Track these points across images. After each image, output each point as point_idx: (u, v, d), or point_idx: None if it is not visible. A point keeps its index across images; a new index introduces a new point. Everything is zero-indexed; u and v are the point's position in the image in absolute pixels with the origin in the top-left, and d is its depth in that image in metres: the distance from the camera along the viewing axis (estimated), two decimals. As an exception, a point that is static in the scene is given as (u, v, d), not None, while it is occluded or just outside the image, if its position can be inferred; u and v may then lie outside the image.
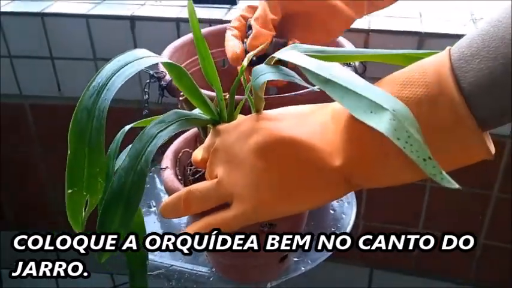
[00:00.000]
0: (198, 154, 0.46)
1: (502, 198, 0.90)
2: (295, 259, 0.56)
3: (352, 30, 0.80)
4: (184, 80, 0.43)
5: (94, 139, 0.36)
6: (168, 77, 0.58)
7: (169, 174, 0.49)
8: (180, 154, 0.53)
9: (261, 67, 0.41)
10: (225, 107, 0.46)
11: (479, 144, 0.32)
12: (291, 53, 0.39)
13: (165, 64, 0.42)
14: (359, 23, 0.81)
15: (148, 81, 0.59)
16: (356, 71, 0.58)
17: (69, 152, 0.36)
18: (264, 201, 0.38)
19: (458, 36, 0.82)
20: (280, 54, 0.39)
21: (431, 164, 0.28)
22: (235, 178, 0.39)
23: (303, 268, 0.55)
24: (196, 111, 0.46)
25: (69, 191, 0.36)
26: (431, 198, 0.94)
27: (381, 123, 0.30)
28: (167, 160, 0.51)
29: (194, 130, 0.56)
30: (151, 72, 0.58)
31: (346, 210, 0.65)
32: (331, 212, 0.64)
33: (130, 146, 0.39)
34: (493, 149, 0.33)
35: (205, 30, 0.72)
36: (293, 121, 0.39)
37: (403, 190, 0.94)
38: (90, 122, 0.36)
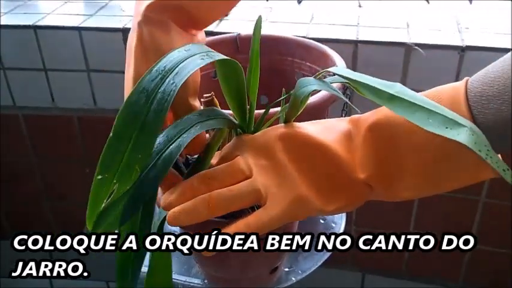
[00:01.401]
0: (213, 161, 0.46)
1: (489, 204, 0.92)
2: (286, 269, 0.58)
3: (340, 41, 0.82)
4: (235, 79, 0.42)
5: (150, 122, 0.33)
6: None
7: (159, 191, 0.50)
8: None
9: (308, 79, 0.42)
10: (253, 120, 0.47)
11: (490, 172, 0.34)
12: (346, 71, 0.40)
13: (226, 61, 0.40)
14: (347, 34, 0.83)
15: None
16: (351, 96, 0.59)
17: (111, 135, 0.33)
18: (298, 200, 0.39)
19: (445, 47, 0.84)
20: (335, 70, 0.41)
21: (509, 173, 0.32)
22: (268, 178, 0.40)
23: (293, 279, 0.56)
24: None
25: (99, 177, 0.33)
26: (421, 203, 0.95)
27: (459, 137, 0.32)
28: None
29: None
30: None
31: (337, 219, 0.66)
32: (321, 221, 0.66)
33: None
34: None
35: None
36: (319, 128, 0.42)
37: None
38: (149, 105, 0.34)
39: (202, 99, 0.47)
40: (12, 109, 0.99)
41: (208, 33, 0.85)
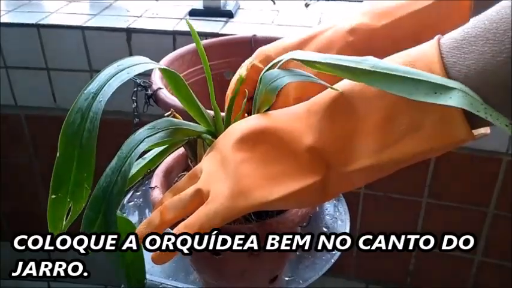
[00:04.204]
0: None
1: (498, 216, 0.90)
2: (287, 279, 0.56)
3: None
4: (182, 88, 0.43)
5: (86, 140, 0.35)
6: (154, 86, 0.57)
7: (158, 194, 0.48)
8: (171, 173, 0.52)
9: (275, 71, 0.40)
10: (221, 122, 0.45)
11: (459, 134, 0.31)
12: (310, 54, 0.38)
13: (163, 71, 0.43)
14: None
15: (135, 89, 0.59)
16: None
17: (58, 155, 0.34)
18: (237, 192, 0.36)
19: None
20: (297, 55, 0.38)
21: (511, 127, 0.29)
22: (212, 175, 0.39)
23: (294, 288, 0.54)
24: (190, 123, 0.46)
25: (53, 196, 0.35)
26: (427, 214, 0.93)
27: (452, 101, 0.29)
28: (157, 179, 0.50)
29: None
30: (138, 80, 0.58)
31: (340, 228, 0.65)
32: (324, 229, 0.64)
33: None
34: (486, 131, 0.33)
35: (208, 41, 0.72)
36: (273, 116, 0.40)
37: (399, 206, 0.93)
38: (84, 124, 0.35)
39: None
40: (14, 109, 0.98)
41: (214, 35, 0.84)
